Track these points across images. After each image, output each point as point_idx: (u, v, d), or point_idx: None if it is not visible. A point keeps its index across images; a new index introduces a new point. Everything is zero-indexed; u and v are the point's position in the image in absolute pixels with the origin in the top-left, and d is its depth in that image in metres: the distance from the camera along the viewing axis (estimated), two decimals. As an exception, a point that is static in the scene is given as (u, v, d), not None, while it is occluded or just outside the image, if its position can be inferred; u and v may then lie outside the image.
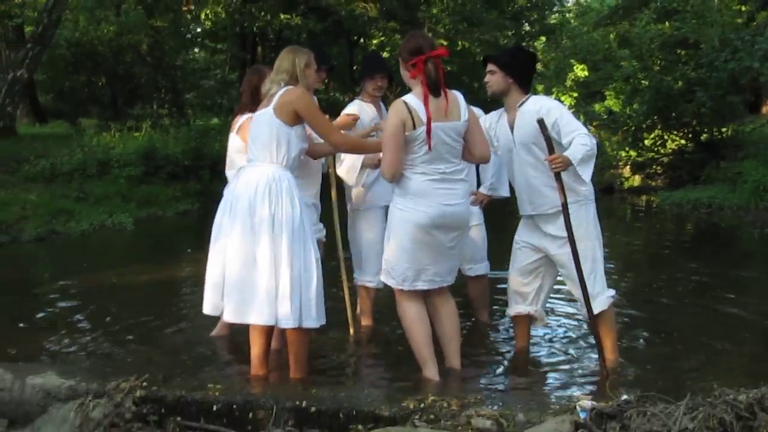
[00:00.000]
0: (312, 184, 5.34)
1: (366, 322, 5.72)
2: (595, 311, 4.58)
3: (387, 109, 5.60)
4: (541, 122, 4.49)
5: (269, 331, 4.47)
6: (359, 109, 5.53)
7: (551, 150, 4.44)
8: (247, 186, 4.31)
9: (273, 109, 4.33)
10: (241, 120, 5.20)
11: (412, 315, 4.51)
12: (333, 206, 5.51)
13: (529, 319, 5.04)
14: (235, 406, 3.92)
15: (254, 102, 4.98)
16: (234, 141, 5.24)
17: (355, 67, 25.53)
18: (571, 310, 6.12)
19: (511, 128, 4.73)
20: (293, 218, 4.28)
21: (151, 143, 15.66)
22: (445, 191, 4.37)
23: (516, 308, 4.98)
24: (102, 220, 11.71)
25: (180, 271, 8.55)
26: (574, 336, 5.57)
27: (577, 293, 4.63)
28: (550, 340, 5.49)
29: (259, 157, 4.39)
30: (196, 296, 6.70)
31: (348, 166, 5.37)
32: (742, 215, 11.94)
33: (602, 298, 4.64)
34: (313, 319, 4.35)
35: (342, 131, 5.02)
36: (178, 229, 12.31)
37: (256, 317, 4.30)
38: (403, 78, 4.52)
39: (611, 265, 7.86)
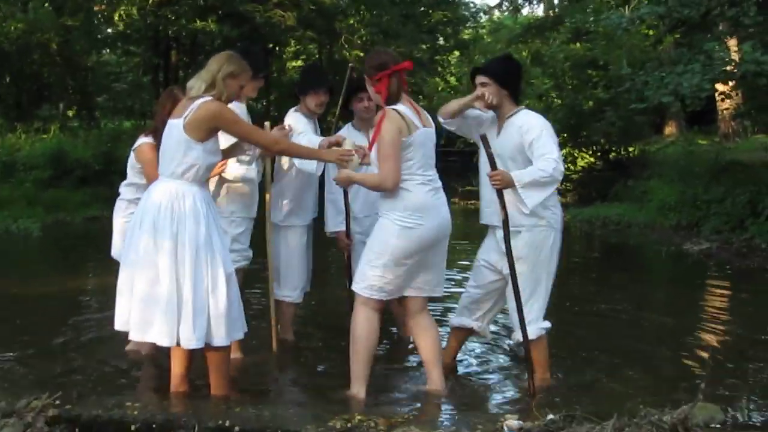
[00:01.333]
0: (250, 200, 5.25)
1: (286, 336, 5.62)
2: (530, 337, 4.59)
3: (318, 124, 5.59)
4: (483, 138, 4.55)
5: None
6: (295, 121, 5.40)
7: (493, 166, 4.47)
8: (152, 203, 4.19)
9: (183, 125, 4.16)
10: (141, 141, 5.18)
11: (368, 329, 4.41)
12: (267, 216, 5.39)
13: (467, 334, 5.04)
14: (154, 426, 3.80)
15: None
16: (131, 157, 5.29)
17: (274, 75, 25.36)
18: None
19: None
20: (197, 236, 4.13)
21: (59, 146, 15.17)
22: (441, 200, 4.44)
23: (461, 320, 4.96)
24: (6, 226, 11.25)
25: (89, 280, 8.27)
26: (505, 353, 5.57)
27: (513, 315, 4.66)
28: (479, 356, 5.49)
29: (165, 171, 4.26)
30: (106, 308, 6.51)
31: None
32: (649, 233, 12.29)
33: (535, 327, 4.65)
34: (222, 338, 4.21)
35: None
36: (86, 235, 11.89)
37: (157, 336, 4.15)
38: (370, 93, 4.60)
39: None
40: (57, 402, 3.88)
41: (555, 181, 4.52)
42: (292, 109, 5.56)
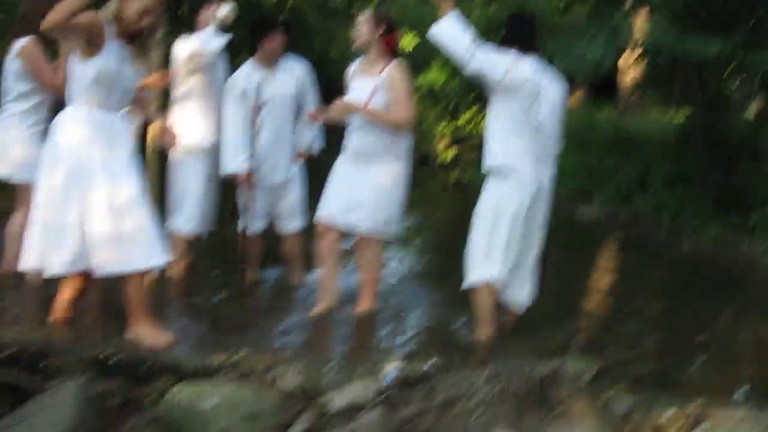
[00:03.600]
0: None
1: (178, 269, 5.53)
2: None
3: None
4: None
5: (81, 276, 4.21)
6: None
7: None
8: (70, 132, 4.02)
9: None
10: (22, 41, 5.00)
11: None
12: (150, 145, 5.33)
13: None
14: (28, 353, 3.69)
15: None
16: (12, 65, 5.07)
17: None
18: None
19: None
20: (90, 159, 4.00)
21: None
22: None
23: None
24: None
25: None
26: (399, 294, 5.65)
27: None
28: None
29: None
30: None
31: None
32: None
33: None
34: (132, 263, 4.05)
35: None
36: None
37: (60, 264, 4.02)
38: (365, 37, 4.89)
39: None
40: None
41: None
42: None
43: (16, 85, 5.08)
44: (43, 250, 4.02)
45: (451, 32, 4.55)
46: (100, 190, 3.96)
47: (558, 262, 8.12)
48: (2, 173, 5.15)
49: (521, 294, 4.85)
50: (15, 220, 5.24)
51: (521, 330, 5.00)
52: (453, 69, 18.28)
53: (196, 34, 5.32)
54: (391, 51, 4.94)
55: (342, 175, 5.03)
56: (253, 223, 5.56)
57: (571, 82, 21.38)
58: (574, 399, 3.46)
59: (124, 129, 4.18)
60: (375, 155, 4.91)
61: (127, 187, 4.03)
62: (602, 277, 7.33)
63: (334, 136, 5.43)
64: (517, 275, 4.76)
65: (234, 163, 5.37)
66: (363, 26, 4.90)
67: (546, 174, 4.76)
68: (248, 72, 5.41)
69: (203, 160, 5.48)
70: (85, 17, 3.78)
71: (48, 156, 4.06)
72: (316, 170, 5.68)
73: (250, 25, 5.51)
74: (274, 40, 5.41)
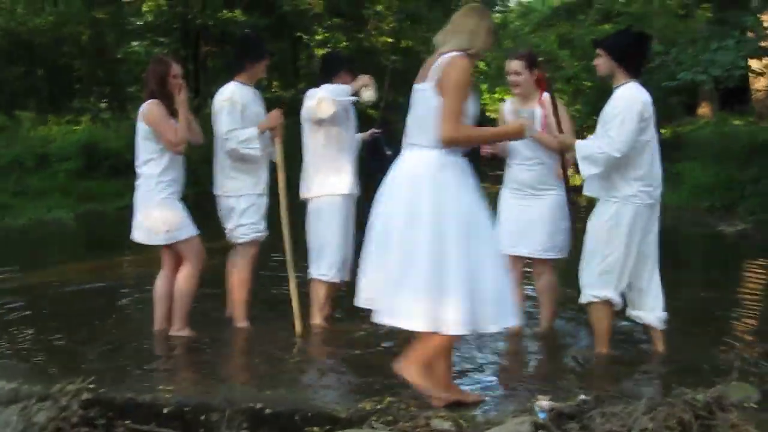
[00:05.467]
0: (261, 175, 5.45)
1: (314, 320, 5.60)
2: (580, 299, 4.91)
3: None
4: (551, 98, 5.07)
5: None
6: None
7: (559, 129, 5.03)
8: (407, 174, 3.80)
9: (433, 83, 3.74)
10: (144, 105, 5.24)
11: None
12: (281, 196, 5.44)
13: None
14: (187, 409, 3.82)
15: (163, 91, 5.19)
16: (140, 128, 5.26)
17: (297, 63, 25.40)
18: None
19: None
20: (460, 208, 3.72)
21: (91, 137, 15.30)
22: None
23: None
24: (41, 215, 11.39)
25: (123, 268, 8.34)
26: (534, 337, 5.51)
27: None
28: (511, 338, 5.38)
29: (419, 141, 3.82)
30: (139, 294, 6.60)
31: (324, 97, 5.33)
32: (683, 215, 12.15)
33: (586, 292, 4.86)
34: (486, 324, 3.78)
35: None
36: (119, 225, 11.98)
37: (411, 320, 3.73)
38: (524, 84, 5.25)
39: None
40: (91, 386, 3.91)
41: (609, 160, 4.62)
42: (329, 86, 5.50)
43: (145, 148, 5.26)
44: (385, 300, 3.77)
45: (588, 155, 4.70)
46: (461, 239, 3.71)
47: (702, 280, 7.82)
48: (146, 240, 5.34)
49: (652, 315, 4.91)
50: (161, 280, 5.46)
51: (668, 356, 4.83)
52: (573, 95, 18.06)
53: (325, 87, 5.45)
54: (544, 86, 5.17)
55: (512, 207, 5.35)
56: None
57: (697, 94, 20.72)
58: (742, 427, 3.27)
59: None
60: (542, 185, 5.28)
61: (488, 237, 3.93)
62: (751, 295, 6.93)
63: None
64: (643, 294, 4.87)
65: None
66: (518, 76, 5.18)
67: (659, 190, 4.88)
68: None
69: (343, 208, 5.54)
70: None
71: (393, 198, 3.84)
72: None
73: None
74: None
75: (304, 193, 5.57)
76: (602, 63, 4.84)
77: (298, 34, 24.60)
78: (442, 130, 3.68)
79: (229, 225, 5.48)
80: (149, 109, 5.19)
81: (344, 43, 26.07)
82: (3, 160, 13.54)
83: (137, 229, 5.34)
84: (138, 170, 5.32)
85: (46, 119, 17.33)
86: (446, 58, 3.73)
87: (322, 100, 5.31)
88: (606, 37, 5.22)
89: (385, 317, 3.77)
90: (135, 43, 24.04)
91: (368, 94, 5.47)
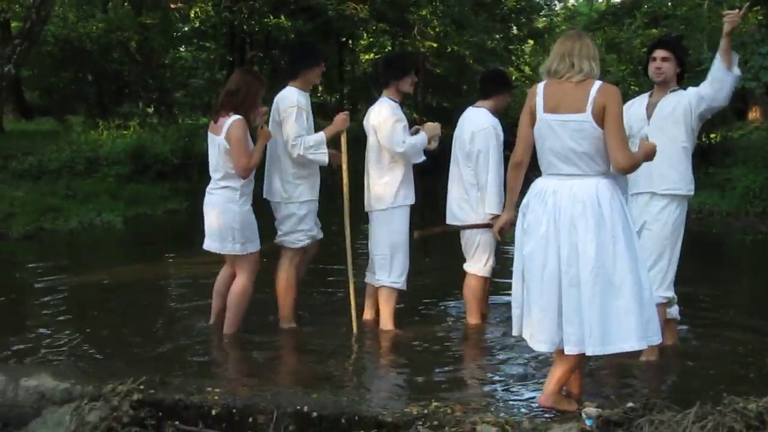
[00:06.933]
0: (316, 181, 5.54)
1: (386, 327, 5.61)
2: None
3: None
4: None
5: None
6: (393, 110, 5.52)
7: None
8: (573, 202, 3.80)
9: (591, 114, 3.76)
10: (230, 120, 5.16)
11: None
12: (345, 200, 5.54)
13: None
14: (234, 411, 3.87)
15: (250, 109, 5.21)
16: (220, 143, 5.20)
17: (344, 68, 25.53)
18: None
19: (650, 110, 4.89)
20: (628, 232, 3.83)
21: (139, 142, 15.52)
22: None
23: None
24: (91, 218, 11.57)
25: (171, 270, 8.45)
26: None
27: None
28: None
29: (588, 170, 3.84)
30: (188, 296, 6.69)
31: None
32: (732, 221, 11.96)
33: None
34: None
35: None
36: (167, 228, 12.19)
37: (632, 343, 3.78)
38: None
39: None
40: (141, 387, 3.99)
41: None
42: (387, 101, 5.53)
43: (221, 163, 5.24)
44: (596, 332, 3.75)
45: None
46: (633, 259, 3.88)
47: (751, 287, 7.69)
48: (210, 245, 5.39)
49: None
50: (224, 275, 5.57)
51: (718, 365, 4.80)
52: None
53: (417, 138, 5.51)
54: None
55: None
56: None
57: (747, 99, 20.34)
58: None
59: None
60: None
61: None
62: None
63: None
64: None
65: (499, 205, 5.42)
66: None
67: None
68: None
69: (408, 217, 5.58)
70: None
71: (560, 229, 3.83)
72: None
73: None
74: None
75: (373, 205, 5.56)
76: (669, 67, 4.79)
77: (344, 38, 24.74)
78: (620, 159, 3.76)
79: (285, 229, 5.52)
80: (236, 126, 5.13)
81: (389, 48, 26.15)
82: (54, 164, 13.80)
83: (212, 239, 5.35)
84: (217, 181, 5.30)
85: (95, 124, 17.64)
86: (600, 89, 3.78)
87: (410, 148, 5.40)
88: (671, 39, 5.19)
89: (596, 348, 3.73)
90: (182, 49, 24.38)
91: (434, 144, 5.54)
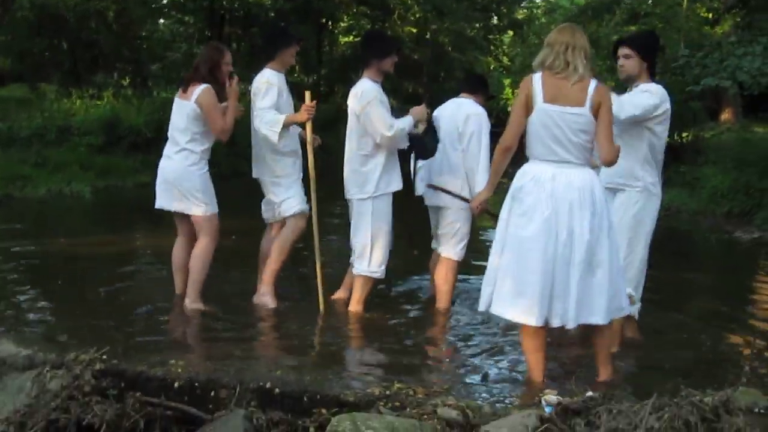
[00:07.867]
0: (298, 162, 5.72)
1: (357, 308, 5.60)
2: None
3: None
4: None
5: None
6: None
7: None
8: (570, 189, 4.08)
9: (589, 108, 4.06)
10: (200, 88, 5.35)
11: None
12: (311, 182, 5.56)
13: None
14: (197, 384, 3.86)
15: (213, 78, 5.39)
16: (191, 108, 5.36)
17: (320, 49, 25.42)
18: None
19: None
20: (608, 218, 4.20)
21: (113, 113, 15.33)
22: None
23: None
24: (60, 188, 11.47)
25: (138, 242, 8.42)
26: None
27: None
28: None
29: (578, 159, 4.14)
30: (155, 268, 6.66)
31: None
32: (700, 220, 12.10)
33: None
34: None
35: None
36: (136, 200, 12.08)
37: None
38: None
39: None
40: (104, 356, 3.95)
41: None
42: (368, 81, 5.46)
43: (192, 127, 5.41)
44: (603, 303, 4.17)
45: None
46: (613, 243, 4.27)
47: (714, 286, 7.79)
48: (184, 209, 5.47)
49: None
50: (179, 247, 5.67)
51: (679, 358, 4.87)
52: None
53: (402, 120, 5.44)
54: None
55: None
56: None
57: (721, 100, 20.52)
58: (749, 430, 3.27)
59: None
60: None
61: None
62: (765, 303, 6.90)
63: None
64: None
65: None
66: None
67: None
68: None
69: (391, 206, 5.55)
70: None
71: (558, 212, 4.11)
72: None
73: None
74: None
75: (354, 193, 5.51)
76: (631, 63, 4.82)
77: (323, 19, 24.61)
78: (608, 152, 4.13)
79: (276, 199, 5.64)
80: (206, 92, 5.35)
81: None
82: (24, 132, 13.61)
83: (174, 199, 5.47)
84: (178, 144, 5.44)
85: (69, 93, 17.40)
86: (597, 88, 4.07)
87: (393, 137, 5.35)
88: (633, 36, 5.22)
89: (604, 317, 4.15)
90: (160, 22, 24.11)
91: (420, 127, 5.52)
